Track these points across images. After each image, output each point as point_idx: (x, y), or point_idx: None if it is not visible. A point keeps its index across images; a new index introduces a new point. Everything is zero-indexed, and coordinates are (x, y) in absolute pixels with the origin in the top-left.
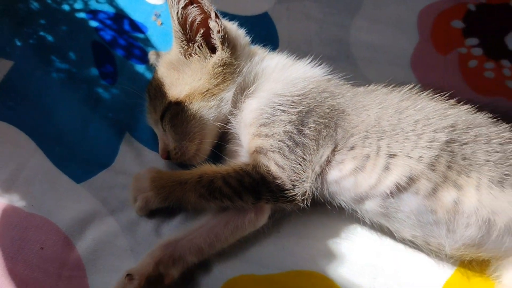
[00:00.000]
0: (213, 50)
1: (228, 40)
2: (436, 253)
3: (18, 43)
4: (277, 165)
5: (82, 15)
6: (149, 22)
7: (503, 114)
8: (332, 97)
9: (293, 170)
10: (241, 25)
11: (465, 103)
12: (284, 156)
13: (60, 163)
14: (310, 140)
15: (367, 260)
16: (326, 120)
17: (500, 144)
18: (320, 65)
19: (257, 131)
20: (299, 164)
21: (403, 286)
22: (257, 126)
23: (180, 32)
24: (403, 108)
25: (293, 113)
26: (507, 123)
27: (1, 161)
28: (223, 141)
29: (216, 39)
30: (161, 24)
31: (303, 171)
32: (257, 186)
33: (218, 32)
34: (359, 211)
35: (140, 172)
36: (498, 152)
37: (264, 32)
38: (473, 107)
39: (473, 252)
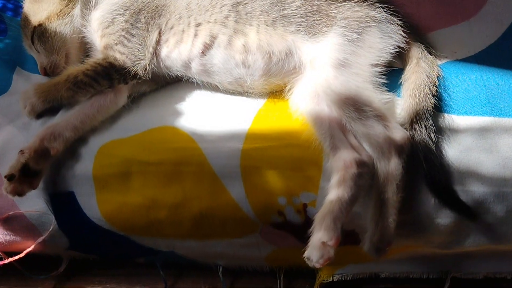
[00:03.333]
0: None
1: None
2: (248, 93)
3: None
4: (120, 53)
5: None
6: None
7: None
8: None
9: (132, 53)
10: None
11: None
12: (124, 45)
13: None
14: (142, 30)
15: (203, 110)
16: (152, 14)
17: None
18: None
19: (102, 32)
20: (137, 50)
21: (228, 120)
22: (102, 29)
23: None
24: None
25: (126, 14)
26: None
27: None
28: (88, 52)
29: None
30: None
31: (140, 53)
32: (108, 71)
33: None
34: (191, 76)
35: (26, 88)
36: (268, 3)
37: None
38: None
39: (268, 80)
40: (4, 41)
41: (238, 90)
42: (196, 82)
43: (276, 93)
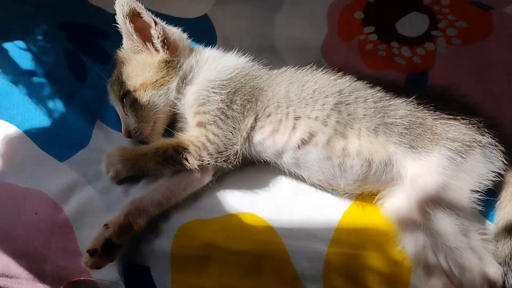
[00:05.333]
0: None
1: (168, 43)
2: (337, 192)
3: (3, 52)
4: (213, 134)
5: (54, 27)
6: (111, 28)
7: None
8: (253, 79)
9: (226, 136)
10: (186, 26)
11: (351, 74)
12: (218, 126)
13: (46, 147)
14: (238, 113)
15: (287, 201)
16: (249, 97)
17: (373, 102)
18: (244, 55)
19: (197, 109)
20: (230, 132)
21: (313, 217)
22: (196, 106)
23: (130, 36)
24: (305, 82)
25: (223, 93)
26: (381, 86)
27: None
28: (174, 121)
29: (157, 43)
30: None
31: (234, 137)
32: (199, 151)
33: (158, 38)
34: (280, 164)
35: (109, 150)
36: (372, 108)
37: (205, 31)
38: (357, 76)
39: (362, 186)
40: (84, 88)
41: (325, 186)
42: (283, 169)
43: (365, 195)
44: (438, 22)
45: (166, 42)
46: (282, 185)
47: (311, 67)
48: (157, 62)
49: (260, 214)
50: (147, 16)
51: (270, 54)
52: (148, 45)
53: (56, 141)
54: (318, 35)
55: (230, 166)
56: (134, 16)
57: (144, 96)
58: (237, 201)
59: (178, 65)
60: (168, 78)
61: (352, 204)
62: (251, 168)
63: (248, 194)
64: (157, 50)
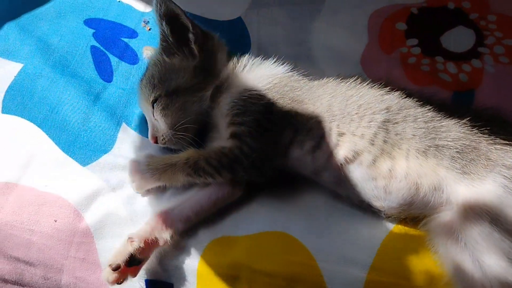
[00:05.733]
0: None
1: (206, 48)
2: (378, 214)
3: (26, 48)
4: (248, 146)
5: (81, 23)
6: (139, 28)
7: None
8: (292, 90)
9: (261, 150)
10: (218, 29)
11: (398, 90)
12: (254, 139)
13: (67, 149)
14: (275, 125)
15: (324, 221)
16: (288, 109)
17: (424, 122)
18: (283, 64)
19: (232, 120)
20: (266, 145)
21: (351, 240)
22: (231, 116)
23: (165, 38)
24: (349, 96)
25: (260, 104)
26: (431, 105)
27: (17, 149)
28: (204, 129)
29: (194, 48)
30: (150, 29)
31: (270, 151)
32: (233, 164)
33: (195, 42)
34: (317, 181)
35: (135, 157)
36: (422, 128)
37: (238, 34)
38: (404, 92)
39: (407, 210)
40: (109, 89)
41: (366, 207)
42: (321, 185)
43: (408, 220)
44: (485, 38)
45: (203, 47)
46: (319, 204)
47: (354, 80)
48: (193, 67)
49: (294, 233)
50: (185, 19)
51: (307, 63)
52: (184, 49)
53: (78, 144)
54: (358, 45)
55: (264, 180)
56: (171, 17)
57: (176, 102)
58: (269, 218)
59: (215, 72)
60: (203, 85)
61: (394, 228)
62: (286, 183)
63: (281, 211)
64: (193, 55)
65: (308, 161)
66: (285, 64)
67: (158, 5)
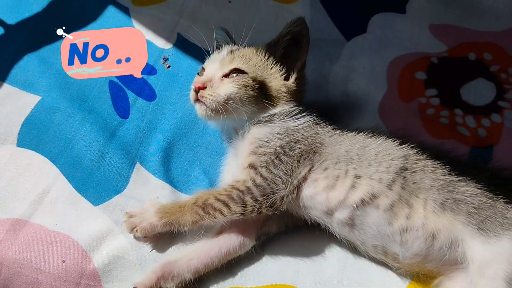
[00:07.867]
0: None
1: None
2: (391, 264)
3: (45, 80)
4: (262, 177)
5: None
6: (158, 64)
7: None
8: (316, 134)
9: (274, 181)
10: None
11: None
12: (269, 170)
13: (80, 187)
14: (293, 160)
15: (335, 274)
16: (308, 148)
17: (442, 174)
18: (313, 111)
19: (255, 149)
20: (280, 178)
21: None
22: (255, 146)
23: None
24: (367, 143)
25: (285, 140)
26: (450, 159)
27: (29, 185)
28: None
29: (294, 74)
30: (169, 67)
31: (283, 183)
32: (242, 195)
33: (298, 71)
34: (330, 225)
35: (143, 207)
36: (440, 180)
37: None
38: (423, 145)
39: (421, 263)
40: (125, 125)
41: (380, 258)
42: (331, 232)
43: (421, 275)
44: (505, 92)
45: (298, 79)
46: (330, 255)
47: (373, 131)
48: (282, 84)
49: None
50: (305, 50)
51: (324, 107)
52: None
53: (91, 182)
54: (376, 93)
55: (271, 215)
56: (294, 39)
57: (252, 90)
58: (279, 270)
59: (278, 103)
60: (267, 104)
61: (409, 286)
62: (297, 233)
63: (291, 263)
64: (286, 77)
65: (321, 201)
66: (315, 113)
67: (297, 23)
